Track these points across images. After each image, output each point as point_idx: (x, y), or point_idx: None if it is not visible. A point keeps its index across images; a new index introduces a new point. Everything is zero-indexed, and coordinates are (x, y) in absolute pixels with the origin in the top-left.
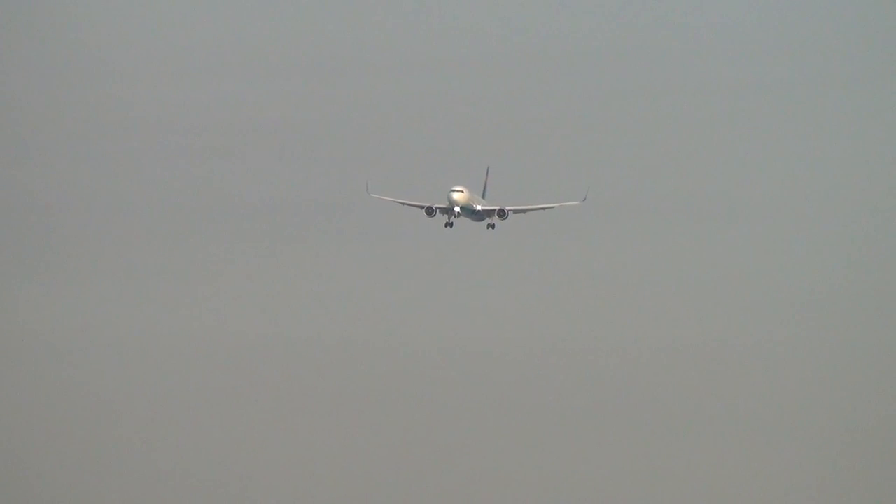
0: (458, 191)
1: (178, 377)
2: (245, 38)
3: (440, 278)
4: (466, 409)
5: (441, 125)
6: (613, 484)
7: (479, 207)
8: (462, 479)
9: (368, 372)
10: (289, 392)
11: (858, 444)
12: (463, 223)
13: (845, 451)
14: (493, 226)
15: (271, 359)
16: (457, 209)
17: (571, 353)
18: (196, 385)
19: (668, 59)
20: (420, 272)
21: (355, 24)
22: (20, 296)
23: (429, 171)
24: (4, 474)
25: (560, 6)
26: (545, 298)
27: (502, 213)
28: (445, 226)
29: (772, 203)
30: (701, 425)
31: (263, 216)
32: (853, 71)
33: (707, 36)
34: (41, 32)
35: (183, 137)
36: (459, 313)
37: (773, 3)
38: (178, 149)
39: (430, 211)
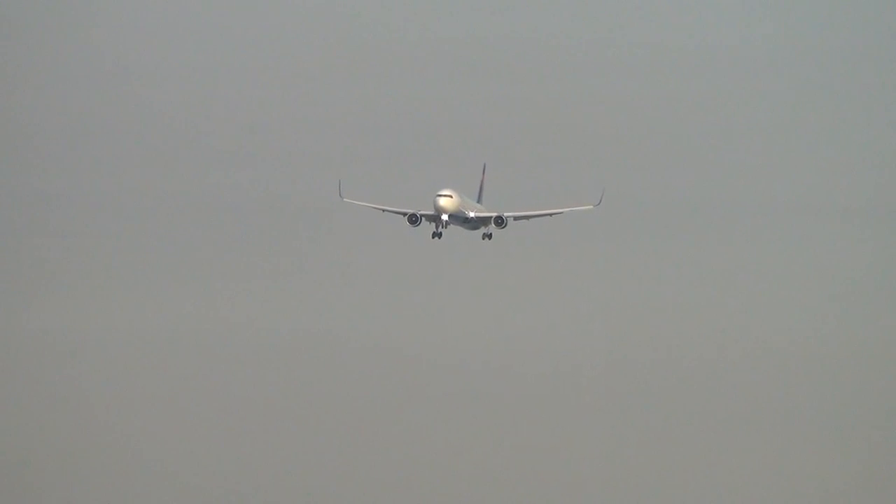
0: (446, 195)
1: (167, 377)
2: (232, 38)
3: (426, 299)
4: (467, 422)
5: (430, 117)
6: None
7: (472, 214)
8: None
9: (362, 383)
10: (286, 393)
11: (859, 444)
12: (454, 233)
13: (848, 452)
14: (489, 236)
15: (266, 359)
16: (445, 217)
17: (578, 370)
18: (190, 385)
19: (687, 55)
20: (405, 290)
21: (343, 18)
22: (21, 296)
23: (413, 171)
24: (4, 474)
25: None
26: (555, 316)
27: (500, 221)
28: (433, 236)
29: (794, 208)
30: (721, 433)
31: (254, 217)
32: (865, 75)
33: (725, 35)
34: (41, 32)
35: (177, 139)
36: (454, 331)
37: (785, 6)
38: (171, 150)
39: (413, 219)
